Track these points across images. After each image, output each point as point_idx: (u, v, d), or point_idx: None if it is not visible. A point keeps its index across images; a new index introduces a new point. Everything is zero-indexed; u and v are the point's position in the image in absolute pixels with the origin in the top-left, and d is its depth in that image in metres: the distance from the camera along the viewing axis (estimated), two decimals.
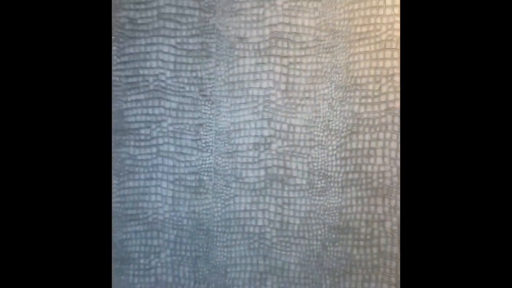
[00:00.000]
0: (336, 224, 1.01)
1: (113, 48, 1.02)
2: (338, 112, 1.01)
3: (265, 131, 1.02)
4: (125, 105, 1.04)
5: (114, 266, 1.05)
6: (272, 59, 1.01)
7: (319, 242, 1.02)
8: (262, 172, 1.03)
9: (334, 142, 1.01)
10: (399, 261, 0.99)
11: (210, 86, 1.03)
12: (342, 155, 1.01)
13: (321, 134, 1.01)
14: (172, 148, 1.04)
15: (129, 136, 1.05)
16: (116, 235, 1.05)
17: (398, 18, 0.98)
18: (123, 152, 1.04)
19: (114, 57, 1.03)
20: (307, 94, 1.01)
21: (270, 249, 1.03)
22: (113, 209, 1.05)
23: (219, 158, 1.04)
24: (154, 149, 1.05)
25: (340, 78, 1.01)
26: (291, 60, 1.01)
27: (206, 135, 1.03)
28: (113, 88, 1.03)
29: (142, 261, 1.06)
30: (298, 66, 1.01)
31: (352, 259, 1.01)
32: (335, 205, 1.01)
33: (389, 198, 0.99)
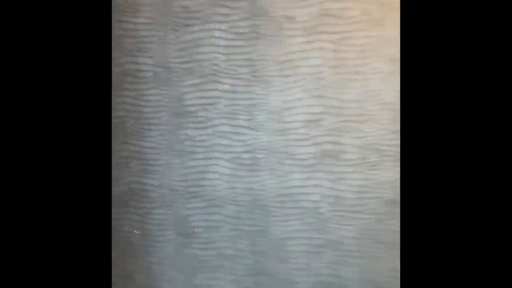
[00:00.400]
0: (390, 197, 1.01)
1: (171, 36, 1.09)
2: (390, 86, 1.00)
3: (316, 108, 1.04)
4: (183, 90, 1.11)
5: (178, 239, 1.14)
6: (321, 36, 1.02)
7: (374, 216, 1.03)
8: (314, 149, 1.05)
9: (387, 116, 1.01)
10: None
11: (262, 67, 1.06)
12: (395, 128, 1.00)
13: (374, 109, 1.01)
14: (227, 128, 1.10)
15: (187, 119, 1.12)
16: (180, 211, 1.13)
17: None
18: (183, 134, 1.12)
19: (171, 45, 1.10)
20: (358, 69, 1.01)
21: (326, 223, 1.06)
22: (176, 187, 1.13)
23: (272, 137, 1.08)
24: (210, 130, 1.11)
25: (391, 51, 0.99)
26: (340, 36, 1.01)
27: (259, 114, 1.08)
28: (172, 74, 1.10)
29: (205, 235, 1.13)
30: (347, 42, 1.01)
31: None
32: (389, 179, 1.01)
33: None
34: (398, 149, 1.00)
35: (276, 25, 1.05)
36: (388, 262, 1.03)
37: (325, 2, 1.01)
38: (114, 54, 1.11)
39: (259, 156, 1.09)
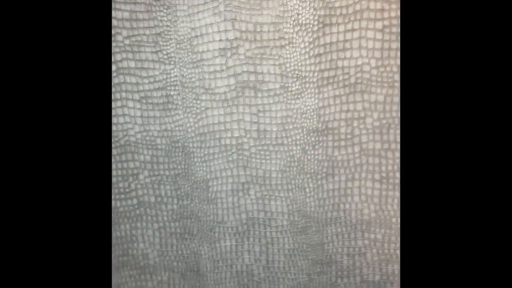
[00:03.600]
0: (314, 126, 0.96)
1: None
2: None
3: (230, 33, 0.93)
4: None
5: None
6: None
7: (299, 147, 0.98)
8: (233, 81, 0.96)
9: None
10: (381, 157, 0.96)
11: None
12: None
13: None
14: (132, 64, 0.96)
15: None
16: None
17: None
18: None
19: None
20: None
21: (250, 159, 1.00)
22: None
23: (184, 70, 0.96)
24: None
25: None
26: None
27: (167, 42, 0.94)
28: None
29: (121, 184, 1.03)
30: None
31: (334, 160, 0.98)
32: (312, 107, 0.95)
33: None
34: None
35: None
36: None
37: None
38: None
39: (172, 93, 0.97)
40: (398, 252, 1.01)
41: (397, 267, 1.02)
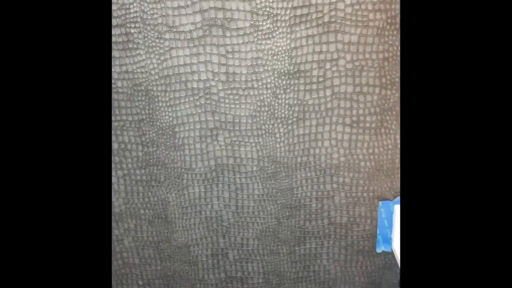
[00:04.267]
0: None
1: None
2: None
3: None
4: None
5: None
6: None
7: (269, 91, 0.94)
8: (199, 18, 0.88)
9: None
10: (352, 101, 0.95)
11: None
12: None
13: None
14: None
15: None
16: None
17: None
18: None
19: None
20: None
21: (218, 103, 0.95)
22: None
23: (145, 5, 0.87)
24: None
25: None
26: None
27: None
28: None
29: None
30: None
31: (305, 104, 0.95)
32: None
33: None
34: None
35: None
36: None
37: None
38: None
39: (133, 31, 0.89)
40: (365, 194, 1.03)
41: (363, 209, 1.04)
